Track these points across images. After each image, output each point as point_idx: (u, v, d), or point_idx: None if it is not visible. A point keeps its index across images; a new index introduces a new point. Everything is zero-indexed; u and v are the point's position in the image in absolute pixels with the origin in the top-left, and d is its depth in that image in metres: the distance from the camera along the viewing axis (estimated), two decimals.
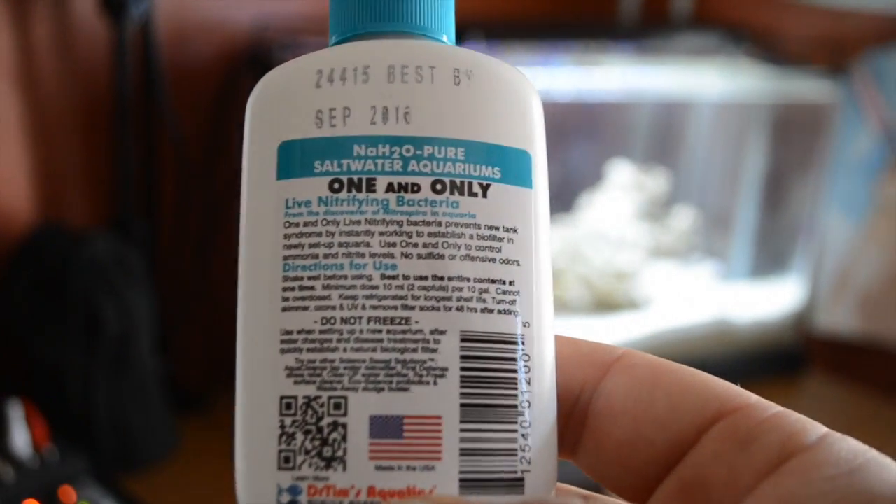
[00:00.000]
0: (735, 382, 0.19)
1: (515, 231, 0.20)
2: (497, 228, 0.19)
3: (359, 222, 0.19)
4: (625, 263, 0.93)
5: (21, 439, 0.64)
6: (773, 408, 0.18)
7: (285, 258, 0.19)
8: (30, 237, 0.72)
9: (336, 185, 0.19)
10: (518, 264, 0.19)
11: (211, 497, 0.73)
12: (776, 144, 0.96)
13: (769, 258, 1.01)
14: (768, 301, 0.98)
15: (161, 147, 0.78)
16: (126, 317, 0.70)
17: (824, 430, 0.17)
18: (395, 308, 0.19)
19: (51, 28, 0.72)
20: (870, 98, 0.90)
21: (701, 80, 0.91)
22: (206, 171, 0.82)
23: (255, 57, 0.79)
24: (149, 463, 0.74)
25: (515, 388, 0.19)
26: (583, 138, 0.98)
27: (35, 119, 0.74)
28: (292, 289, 0.19)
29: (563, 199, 0.93)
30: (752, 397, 0.18)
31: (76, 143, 0.77)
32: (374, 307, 0.19)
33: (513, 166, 0.20)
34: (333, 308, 0.19)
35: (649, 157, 0.98)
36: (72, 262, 0.68)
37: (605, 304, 0.92)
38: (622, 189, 0.96)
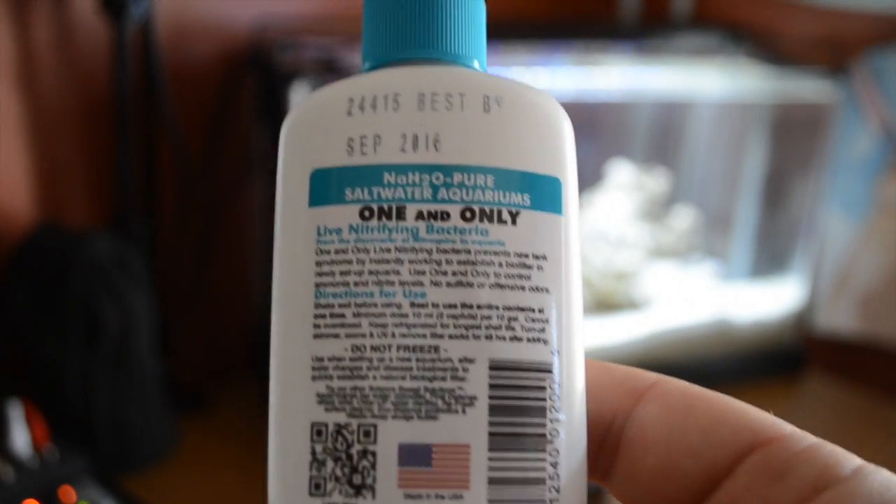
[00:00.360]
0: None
1: (545, 258, 0.20)
2: (527, 256, 0.19)
3: (389, 250, 0.19)
4: (625, 263, 0.93)
5: (21, 439, 0.64)
6: (809, 438, 0.18)
7: (317, 285, 0.19)
8: (30, 237, 0.72)
9: (366, 213, 0.19)
10: (547, 291, 0.19)
11: (211, 497, 0.73)
12: (776, 144, 0.96)
13: (769, 258, 1.01)
14: (768, 301, 0.98)
15: (161, 147, 0.78)
16: (126, 317, 0.70)
17: (859, 461, 0.17)
18: (425, 336, 0.19)
19: (51, 28, 0.72)
20: (870, 98, 0.90)
21: (701, 80, 0.91)
22: (206, 171, 0.82)
23: (255, 57, 0.79)
24: (149, 463, 0.74)
25: (545, 417, 0.19)
26: (583, 138, 0.98)
27: (35, 119, 0.74)
28: (324, 316, 0.19)
29: None
30: (787, 427, 0.18)
31: (76, 143, 0.77)
32: (404, 335, 0.19)
33: (543, 193, 0.20)
34: (364, 336, 0.19)
35: (649, 157, 0.98)
36: (72, 262, 0.68)
37: (605, 305, 0.92)
38: (622, 189, 0.96)
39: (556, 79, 0.82)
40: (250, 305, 0.90)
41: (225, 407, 0.85)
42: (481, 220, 0.19)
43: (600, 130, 1.00)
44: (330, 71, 0.72)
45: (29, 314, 0.70)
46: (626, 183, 0.96)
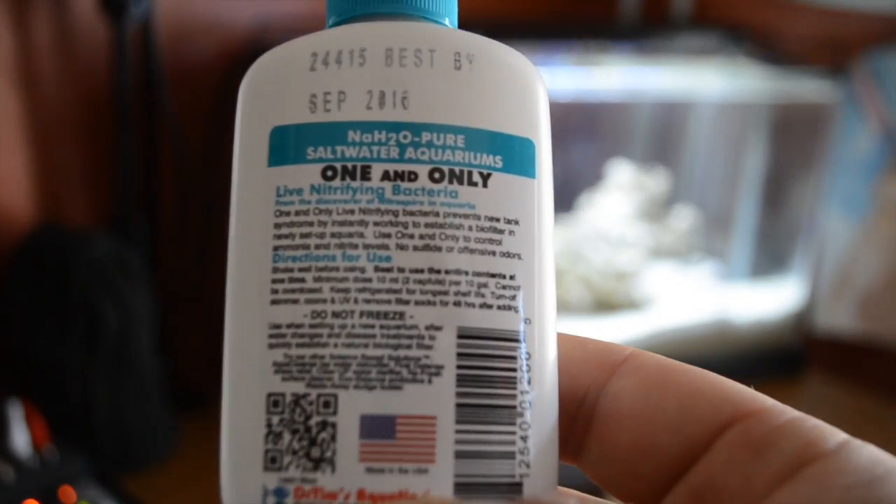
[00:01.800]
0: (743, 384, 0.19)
1: (517, 223, 0.19)
2: (497, 220, 0.19)
3: (352, 212, 0.18)
4: (625, 263, 0.93)
5: (21, 439, 0.64)
6: (790, 412, 0.17)
7: (275, 248, 0.18)
8: (30, 237, 0.72)
9: (329, 173, 0.18)
10: (519, 258, 0.19)
11: (211, 497, 0.73)
12: (776, 144, 0.96)
13: (769, 258, 1.01)
14: (768, 301, 0.98)
15: (161, 147, 0.78)
16: (126, 317, 0.70)
17: (844, 436, 0.17)
18: (389, 302, 0.18)
19: (51, 28, 0.72)
20: (870, 98, 0.90)
21: (701, 80, 0.91)
22: (206, 171, 0.82)
23: (254, 57, 0.79)
24: (149, 463, 0.74)
25: (515, 388, 0.18)
26: (583, 138, 0.98)
27: (35, 119, 0.74)
28: (282, 280, 0.18)
29: (563, 200, 0.93)
30: (768, 401, 0.18)
31: (76, 142, 0.77)
32: (367, 301, 0.18)
33: (515, 155, 0.19)
34: (324, 301, 0.18)
35: (649, 157, 0.98)
36: (72, 262, 0.68)
37: (605, 305, 0.92)
38: (622, 189, 0.96)
39: (556, 79, 0.82)
40: None
41: None
42: (450, 181, 0.18)
43: (600, 130, 1.00)
44: None
45: (29, 314, 0.70)
46: (626, 183, 0.96)
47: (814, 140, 0.94)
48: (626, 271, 0.93)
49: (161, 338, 0.77)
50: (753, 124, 0.97)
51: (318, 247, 0.18)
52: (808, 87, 0.92)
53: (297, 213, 0.18)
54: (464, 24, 0.21)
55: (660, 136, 1.02)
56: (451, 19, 0.21)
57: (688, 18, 1.04)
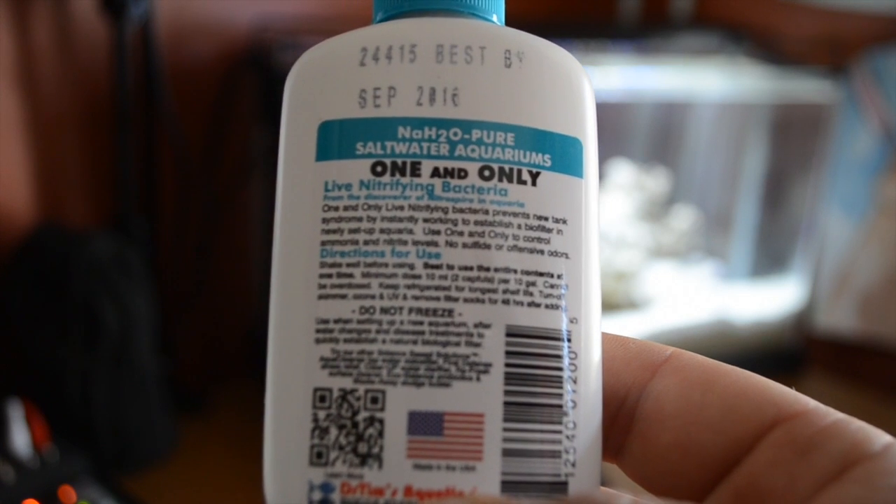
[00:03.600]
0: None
1: (565, 222, 0.19)
2: (546, 219, 0.18)
3: (402, 208, 0.18)
4: (625, 263, 0.93)
5: (21, 439, 0.64)
6: (833, 414, 0.17)
7: (323, 244, 0.18)
8: (30, 237, 0.72)
9: (379, 169, 0.18)
10: (567, 257, 0.19)
11: (211, 497, 0.73)
12: (776, 144, 0.96)
13: (769, 258, 1.01)
14: (768, 301, 0.98)
15: (161, 147, 0.78)
16: (126, 317, 0.70)
17: (888, 438, 0.17)
18: (438, 299, 0.18)
19: (51, 28, 0.72)
20: (870, 98, 0.90)
21: (701, 80, 0.91)
22: (206, 171, 0.82)
23: (254, 57, 0.79)
24: (149, 463, 0.74)
25: (561, 388, 0.18)
26: None
27: (35, 119, 0.74)
28: (330, 276, 0.18)
29: None
30: (811, 403, 0.18)
31: (76, 143, 0.77)
32: (416, 297, 0.18)
33: (564, 154, 0.19)
34: (373, 297, 0.18)
35: (649, 157, 0.98)
36: (72, 262, 0.68)
37: (605, 305, 0.92)
38: (622, 189, 0.96)
39: None
40: (250, 306, 0.90)
41: (224, 408, 0.85)
42: (500, 179, 0.18)
43: (600, 130, 1.00)
44: None
45: (29, 314, 0.70)
46: (626, 183, 0.96)
47: (814, 140, 0.94)
48: (626, 271, 0.93)
49: (161, 338, 0.77)
50: (753, 124, 0.97)
51: (366, 242, 0.18)
52: (808, 87, 0.92)
53: (346, 209, 0.18)
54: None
55: (660, 136, 1.02)
56: (498, 16, 0.21)
57: (688, 18, 1.04)
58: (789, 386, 0.19)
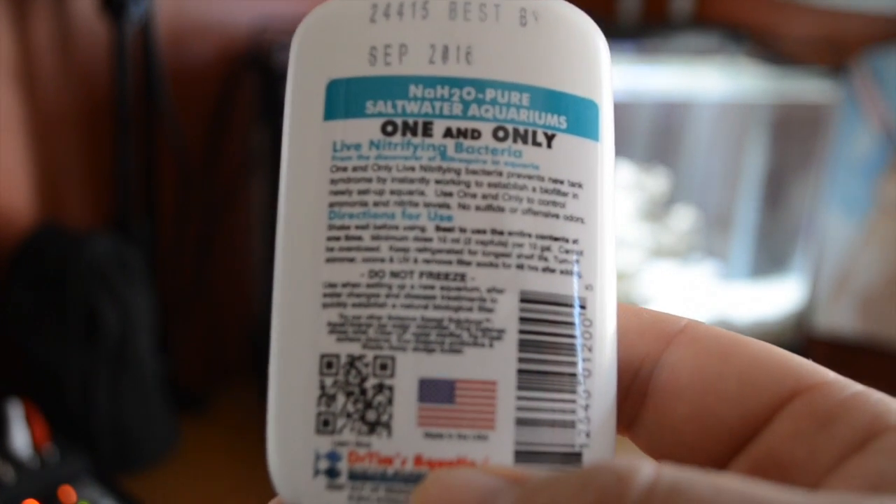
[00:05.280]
0: None
1: (580, 186, 0.18)
2: (561, 182, 0.18)
3: (413, 169, 0.17)
4: (625, 263, 0.93)
5: (21, 439, 0.64)
6: (854, 385, 0.17)
7: (331, 205, 0.18)
8: (30, 237, 0.72)
9: (389, 128, 0.18)
10: (582, 222, 0.18)
11: (211, 497, 0.73)
12: (776, 144, 0.96)
13: (769, 258, 1.01)
14: (768, 301, 0.98)
15: (161, 147, 0.78)
16: (126, 317, 0.70)
17: None
18: (450, 263, 0.17)
19: (51, 28, 0.72)
20: (870, 98, 0.90)
21: (701, 80, 0.91)
22: (206, 172, 0.82)
23: (254, 58, 0.79)
24: (149, 463, 0.74)
25: (576, 356, 0.18)
26: None
27: (35, 119, 0.74)
28: (338, 238, 0.17)
29: None
30: (830, 374, 0.17)
31: (76, 143, 0.77)
32: (427, 261, 0.17)
33: (580, 116, 0.18)
34: (382, 260, 0.17)
35: (649, 157, 0.98)
36: (72, 262, 0.68)
37: None
38: (622, 189, 0.96)
39: None
40: (250, 305, 0.90)
41: (225, 407, 0.85)
42: (514, 140, 0.18)
43: None
44: None
45: (29, 314, 0.70)
46: (626, 183, 0.96)
47: (814, 140, 0.94)
48: (627, 271, 0.93)
49: (161, 338, 0.77)
50: (753, 124, 0.97)
51: (376, 204, 0.17)
52: (808, 87, 0.92)
53: (355, 169, 0.18)
54: None
55: (660, 136, 1.02)
56: None
57: (688, 18, 1.04)
58: None
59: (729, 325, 0.95)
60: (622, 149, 0.98)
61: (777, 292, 0.98)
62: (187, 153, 0.80)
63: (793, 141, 0.98)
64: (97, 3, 0.70)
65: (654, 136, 1.02)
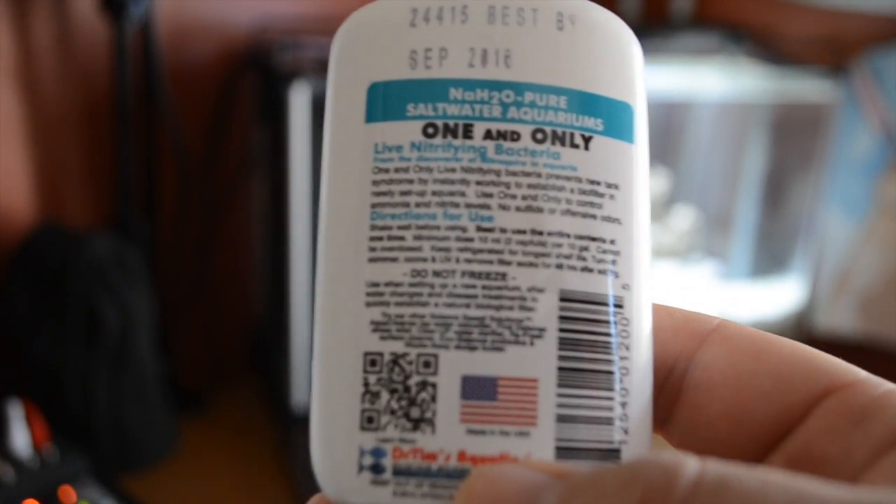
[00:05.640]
0: None
1: (617, 187, 0.19)
2: (598, 183, 0.18)
3: (454, 170, 0.18)
4: None
5: (21, 439, 0.64)
6: (886, 384, 0.17)
7: (373, 206, 0.18)
8: (30, 237, 0.72)
9: (430, 130, 0.18)
10: (619, 223, 0.19)
11: (211, 497, 0.73)
12: (776, 144, 0.96)
13: (769, 258, 1.01)
14: (768, 301, 0.98)
15: (161, 147, 0.78)
16: (126, 317, 0.70)
17: None
18: (491, 262, 0.18)
19: (51, 28, 0.72)
20: (870, 98, 0.90)
21: (701, 80, 0.91)
22: (206, 172, 0.82)
23: (254, 57, 0.79)
24: (149, 463, 0.74)
25: (614, 354, 0.18)
26: None
27: (35, 119, 0.74)
28: (380, 238, 0.18)
29: None
30: (862, 373, 0.18)
31: (76, 143, 0.77)
32: (469, 261, 0.18)
33: (615, 119, 0.19)
34: (425, 260, 0.18)
35: (649, 157, 0.98)
36: (72, 262, 0.68)
37: None
38: None
39: None
40: (250, 305, 0.90)
41: (225, 407, 0.85)
42: (553, 142, 0.18)
43: None
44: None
45: (29, 314, 0.70)
46: None
47: (814, 140, 0.94)
48: None
49: (161, 338, 0.77)
50: (754, 124, 0.97)
51: (418, 205, 0.18)
52: (808, 87, 0.92)
53: (397, 171, 0.18)
54: None
55: (660, 136, 1.02)
56: None
57: (688, 18, 1.04)
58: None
59: None
60: None
61: (777, 292, 0.98)
62: (187, 153, 0.80)
63: (793, 141, 0.98)
64: (97, 3, 0.70)
65: (655, 135, 1.02)
